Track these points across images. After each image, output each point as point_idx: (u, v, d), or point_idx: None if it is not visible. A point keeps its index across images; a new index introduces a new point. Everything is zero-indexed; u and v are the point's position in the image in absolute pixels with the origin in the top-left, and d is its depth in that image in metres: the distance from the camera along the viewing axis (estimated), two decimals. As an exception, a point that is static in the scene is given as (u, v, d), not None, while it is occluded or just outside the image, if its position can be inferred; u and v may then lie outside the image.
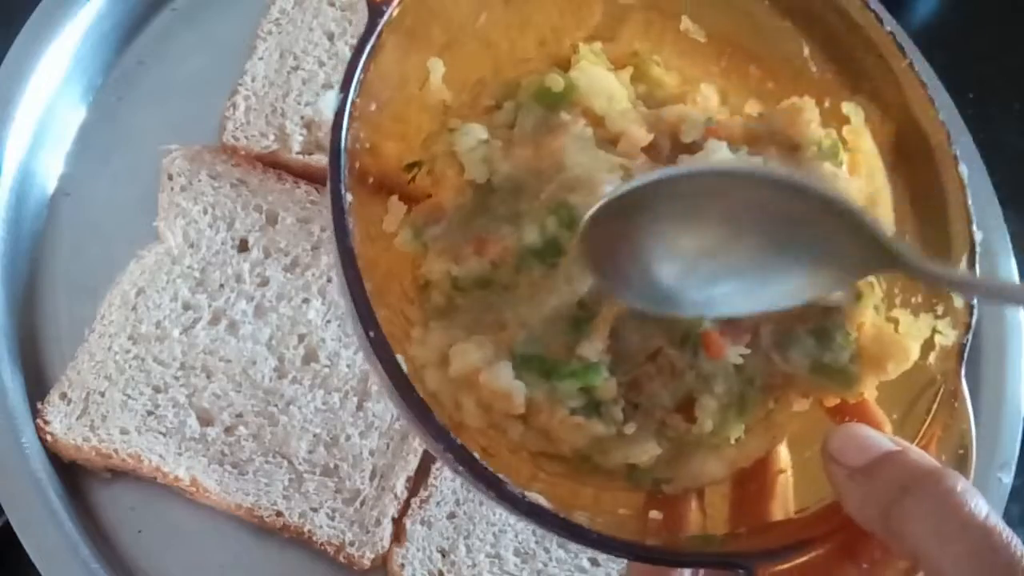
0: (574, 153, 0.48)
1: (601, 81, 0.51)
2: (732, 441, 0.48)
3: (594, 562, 0.76)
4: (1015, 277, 0.88)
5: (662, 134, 0.50)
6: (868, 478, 0.41)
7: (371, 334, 0.41)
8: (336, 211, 0.42)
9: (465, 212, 0.48)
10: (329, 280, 0.81)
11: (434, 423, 0.41)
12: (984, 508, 0.38)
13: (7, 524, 0.71)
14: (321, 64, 0.88)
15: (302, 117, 0.86)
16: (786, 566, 0.42)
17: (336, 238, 0.42)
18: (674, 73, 0.54)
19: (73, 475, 0.76)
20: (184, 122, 0.87)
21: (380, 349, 0.40)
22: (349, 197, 0.42)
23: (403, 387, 0.41)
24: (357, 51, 0.45)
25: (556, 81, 0.50)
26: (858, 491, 0.42)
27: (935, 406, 0.46)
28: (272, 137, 0.85)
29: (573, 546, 0.76)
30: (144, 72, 0.89)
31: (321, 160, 0.84)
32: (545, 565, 0.75)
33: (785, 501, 0.48)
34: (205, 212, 0.82)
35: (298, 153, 0.85)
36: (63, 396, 0.76)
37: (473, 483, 0.41)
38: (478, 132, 0.49)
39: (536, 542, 0.76)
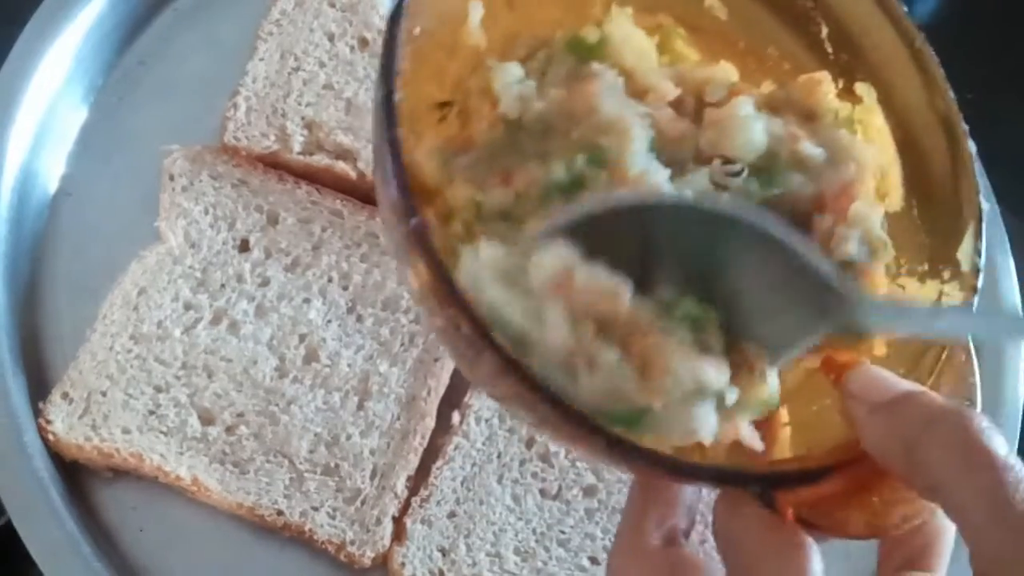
0: (606, 99, 0.49)
1: (633, 37, 0.52)
2: None
3: (594, 560, 0.76)
4: (1012, 277, 0.89)
5: (688, 92, 0.52)
6: (891, 413, 0.42)
7: (412, 221, 0.41)
8: (386, 104, 0.42)
9: (495, 146, 0.49)
10: (330, 280, 0.81)
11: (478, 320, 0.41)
12: (1006, 445, 0.39)
13: (9, 523, 0.71)
14: (322, 65, 0.88)
15: (303, 118, 0.86)
16: (803, 495, 0.43)
17: (385, 125, 0.42)
18: (695, 49, 0.55)
19: (75, 474, 0.76)
20: (185, 122, 0.87)
21: (422, 238, 0.41)
22: (399, 94, 0.43)
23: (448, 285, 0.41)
24: None
25: (591, 32, 0.51)
26: (880, 425, 0.42)
27: (941, 362, 0.47)
28: (273, 138, 0.85)
29: (573, 545, 0.76)
30: (145, 72, 0.90)
31: (322, 160, 0.84)
32: (545, 564, 0.75)
33: (783, 455, 0.49)
34: (206, 212, 0.83)
35: (299, 154, 0.85)
36: (65, 396, 0.76)
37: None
38: (515, 70, 0.50)
39: (536, 541, 0.76)
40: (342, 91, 0.87)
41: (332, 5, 0.90)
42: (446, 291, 0.41)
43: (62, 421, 0.75)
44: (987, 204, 0.49)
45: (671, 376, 0.44)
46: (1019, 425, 0.83)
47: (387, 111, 0.43)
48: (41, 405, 0.76)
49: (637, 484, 0.50)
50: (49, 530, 0.71)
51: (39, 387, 0.77)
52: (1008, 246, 0.89)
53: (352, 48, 0.89)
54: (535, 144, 0.49)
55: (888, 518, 0.44)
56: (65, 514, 0.73)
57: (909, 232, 0.51)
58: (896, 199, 0.52)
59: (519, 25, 0.53)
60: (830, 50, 0.54)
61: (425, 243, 0.41)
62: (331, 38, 0.89)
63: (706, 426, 0.45)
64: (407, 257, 0.43)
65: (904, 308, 0.48)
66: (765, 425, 0.49)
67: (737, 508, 0.45)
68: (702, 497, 0.50)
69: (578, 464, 0.78)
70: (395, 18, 0.45)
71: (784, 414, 0.50)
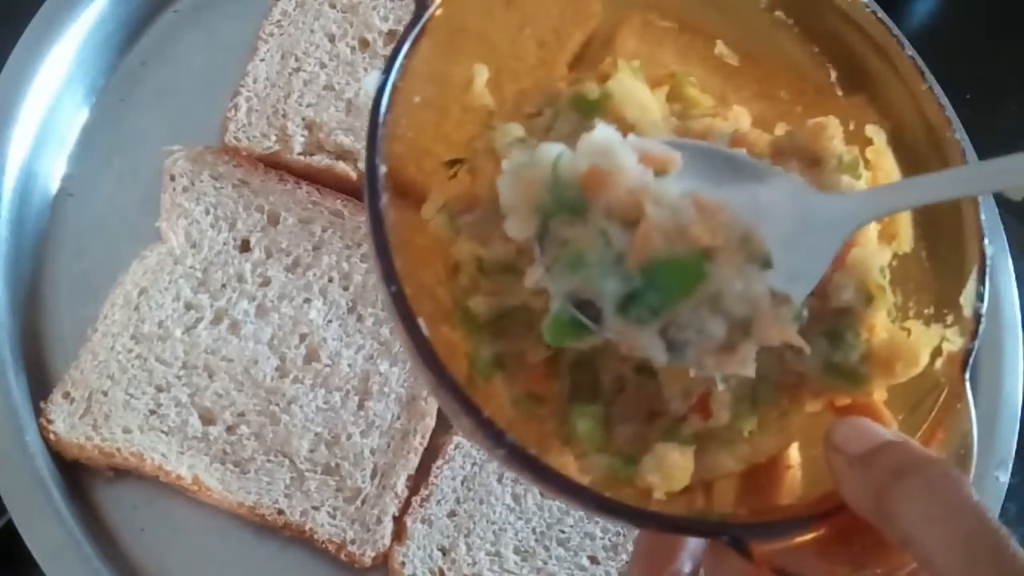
0: None
1: (635, 92, 0.52)
2: (745, 434, 0.50)
3: (593, 560, 0.76)
4: (1012, 280, 0.89)
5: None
6: (866, 465, 0.42)
7: (392, 289, 0.43)
8: (370, 178, 0.44)
9: (498, 203, 0.50)
10: (330, 280, 0.82)
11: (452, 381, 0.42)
12: (974, 494, 0.39)
13: (10, 522, 0.71)
14: (322, 66, 0.88)
15: (303, 118, 0.86)
16: (779, 545, 0.43)
17: (368, 201, 0.44)
18: (708, 95, 0.56)
19: (76, 474, 0.76)
20: (186, 123, 0.87)
21: (401, 306, 0.42)
22: (383, 167, 0.45)
23: (426, 351, 0.42)
24: (401, 38, 0.47)
25: (592, 89, 0.52)
26: (855, 477, 0.43)
27: (938, 408, 0.48)
28: (274, 138, 0.85)
29: (573, 544, 0.76)
30: (147, 73, 0.90)
31: (322, 161, 0.85)
32: (545, 563, 0.75)
33: (792, 496, 0.50)
34: (207, 212, 0.83)
35: (299, 154, 0.85)
36: (66, 395, 0.76)
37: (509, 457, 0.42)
38: (515, 130, 0.51)
39: (536, 540, 0.76)
40: (343, 92, 0.87)
41: (333, 6, 0.90)
42: (421, 350, 0.42)
43: (63, 420, 0.75)
44: (991, 248, 0.49)
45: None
46: (1018, 425, 0.83)
47: (371, 182, 0.44)
48: (42, 404, 0.76)
49: (641, 531, 0.50)
50: (50, 529, 0.71)
51: (40, 386, 0.78)
52: (1007, 248, 0.89)
53: (353, 49, 0.89)
54: None
55: (870, 569, 0.43)
56: (66, 513, 0.73)
57: (919, 274, 0.52)
58: (906, 240, 0.52)
59: (531, 78, 0.55)
60: (840, 93, 0.55)
61: (400, 309, 0.43)
62: (332, 39, 0.89)
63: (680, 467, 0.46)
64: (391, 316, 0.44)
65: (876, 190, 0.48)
66: (768, 469, 0.50)
67: (720, 558, 0.45)
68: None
69: (578, 463, 0.78)
70: (379, 97, 0.46)
71: (792, 456, 0.50)
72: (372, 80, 0.46)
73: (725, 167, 0.48)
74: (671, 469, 0.46)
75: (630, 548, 0.76)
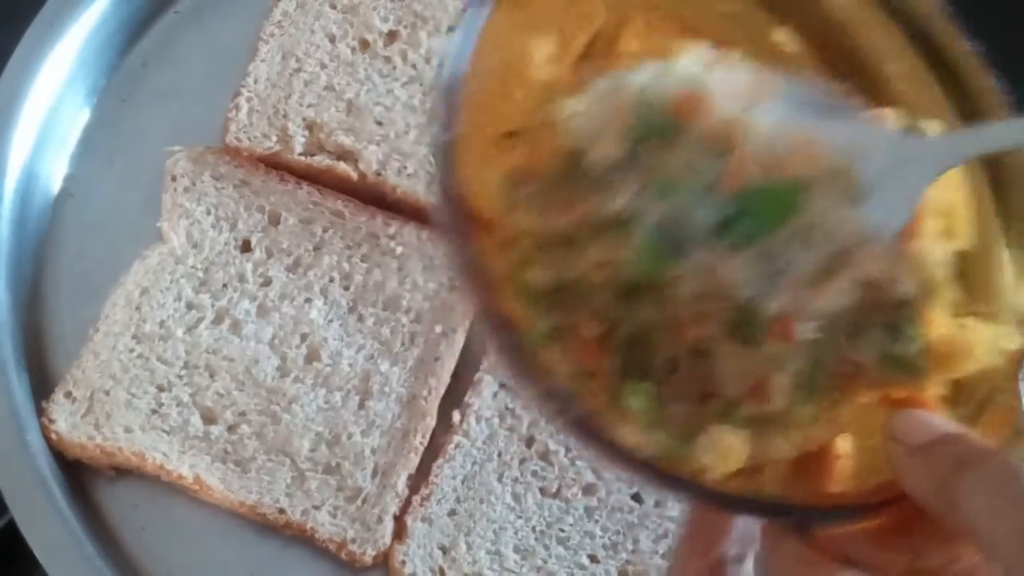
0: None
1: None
2: (799, 421, 0.49)
3: (593, 559, 0.76)
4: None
5: None
6: (927, 455, 0.42)
7: (467, 253, 0.43)
8: (446, 144, 0.43)
9: (556, 177, 0.50)
10: (331, 280, 0.82)
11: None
12: None
13: (12, 522, 0.71)
14: (323, 66, 0.88)
15: (304, 119, 0.86)
16: (841, 531, 0.44)
17: (441, 168, 0.43)
18: None
19: (77, 473, 0.76)
20: (187, 124, 0.87)
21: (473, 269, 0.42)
22: (458, 128, 0.44)
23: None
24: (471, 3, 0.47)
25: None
26: (917, 467, 0.43)
27: (993, 405, 0.48)
28: (274, 139, 0.86)
29: (573, 543, 0.76)
30: (148, 74, 0.90)
31: (323, 161, 0.85)
32: (545, 562, 0.76)
33: (840, 486, 0.49)
34: (208, 213, 0.83)
35: (300, 154, 0.85)
36: (68, 395, 0.77)
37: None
38: (576, 104, 0.51)
39: (536, 539, 0.76)
40: (343, 92, 0.87)
41: (333, 7, 0.91)
42: (493, 316, 0.42)
43: (65, 420, 0.76)
44: None
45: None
46: (1017, 424, 0.83)
47: (445, 159, 0.43)
48: (44, 404, 0.76)
49: (689, 512, 0.50)
50: (51, 529, 0.72)
51: (42, 386, 0.78)
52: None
53: (353, 49, 0.89)
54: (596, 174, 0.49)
55: (931, 559, 0.43)
56: (68, 513, 0.73)
57: (980, 271, 0.51)
58: (966, 237, 0.51)
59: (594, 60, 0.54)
60: (901, 87, 0.54)
61: (474, 271, 0.42)
62: (332, 39, 0.89)
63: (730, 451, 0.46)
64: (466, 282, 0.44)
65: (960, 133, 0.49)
66: (818, 458, 0.50)
67: (779, 541, 0.45)
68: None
69: (578, 463, 0.78)
70: (456, 61, 0.45)
71: (841, 446, 0.50)
72: (444, 42, 0.46)
73: (819, 103, 0.48)
74: (727, 451, 0.46)
75: (630, 547, 0.76)
